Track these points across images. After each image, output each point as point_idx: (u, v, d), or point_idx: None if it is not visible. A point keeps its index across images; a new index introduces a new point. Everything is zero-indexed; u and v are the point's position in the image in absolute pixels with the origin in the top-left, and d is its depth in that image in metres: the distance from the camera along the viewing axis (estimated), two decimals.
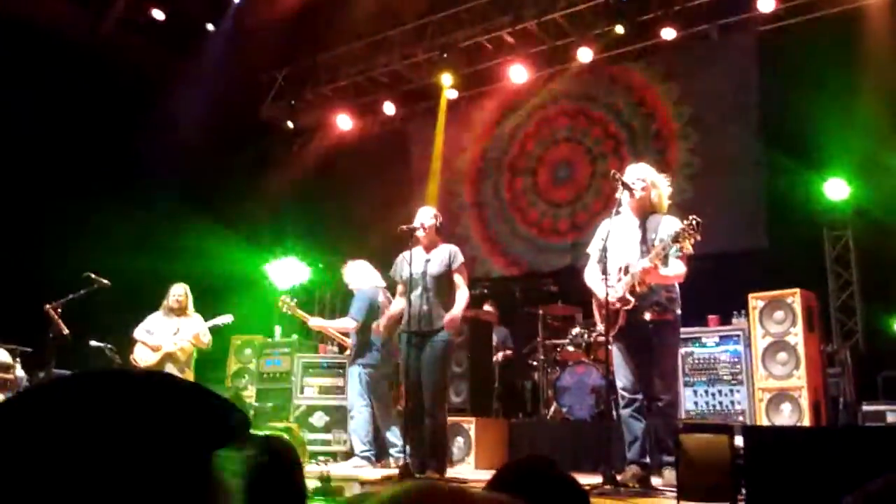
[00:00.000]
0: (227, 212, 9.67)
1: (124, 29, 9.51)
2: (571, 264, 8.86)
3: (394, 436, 6.26)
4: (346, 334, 6.74)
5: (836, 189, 7.83)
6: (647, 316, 4.37)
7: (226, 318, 7.12)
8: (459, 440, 6.62)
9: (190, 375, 6.97)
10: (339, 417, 7.36)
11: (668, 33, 8.46)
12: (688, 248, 4.26)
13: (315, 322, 6.87)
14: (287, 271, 10.85)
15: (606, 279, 4.41)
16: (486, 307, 8.58)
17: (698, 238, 4.15)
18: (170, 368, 6.85)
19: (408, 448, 5.17)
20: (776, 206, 8.01)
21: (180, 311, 7.04)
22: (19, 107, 8.35)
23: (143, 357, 6.90)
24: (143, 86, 9.24)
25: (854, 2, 7.64)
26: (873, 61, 7.28)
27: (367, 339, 6.33)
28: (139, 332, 6.99)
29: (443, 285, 5.32)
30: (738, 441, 3.79)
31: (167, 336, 6.92)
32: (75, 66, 8.94)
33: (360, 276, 6.58)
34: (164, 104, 9.10)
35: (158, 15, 9.33)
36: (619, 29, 8.42)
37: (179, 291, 7.09)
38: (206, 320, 7.07)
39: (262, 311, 10.53)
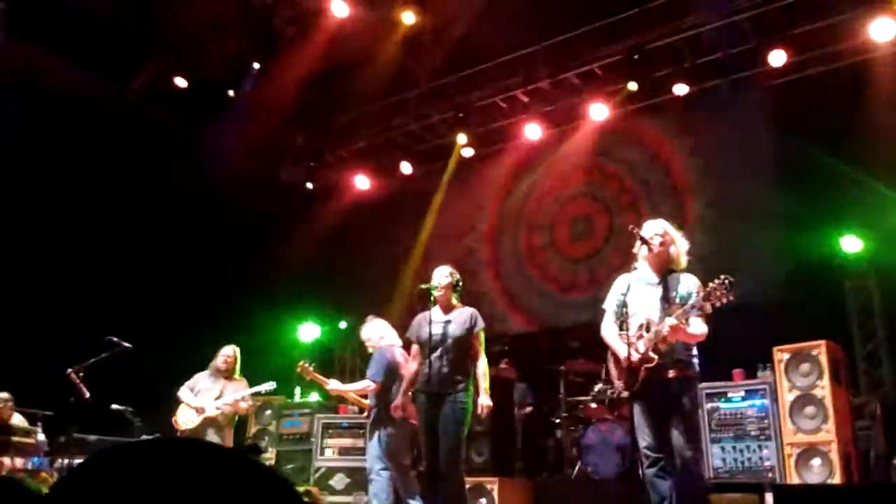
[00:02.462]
0: (245, 273, 9.76)
1: (149, 97, 9.77)
2: (592, 319, 8.79)
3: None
4: (364, 396, 6.68)
5: (851, 244, 7.81)
6: (670, 374, 4.32)
7: (269, 385, 7.01)
8: (483, 502, 6.50)
9: (229, 440, 6.90)
10: (359, 479, 7.26)
11: (680, 89, 8.56)
12: (707, 307, 4.23)
13: (334, 386, 6.67)
14: (307, 332, 10.90)
15: (627, 336, 4.38)
16: (503, 364, 8.51)
17: (732, 298, 4.10)
18: (210, 433, 6.75)
19: None
20: (796, 258, 7.96)
21: (228, 373, 6.96)
22: (48, 173, 8.56)
23: (185, 419, 6.80)
24: (167, 152, 9.46)
25: (863, 54, 7.71)
26: (883, 112, 7.32)
27: (387, 401, 6.27)
28: (184, 393, 6.90)
29: (463, 348, 5.31)
30: (769, 499, 3.70)
31: (210, 398, 6.82)
32: (103, 133, 9.19)
33: (377, 334, 6.55)
34: (187, 169, 9.29)
35: (181, 83, 9.58)
36: (632, 86, 8.53)
37: (228, 353, 7.02)
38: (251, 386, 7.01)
39: (282, 372, 10.53)
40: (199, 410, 6.76)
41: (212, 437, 6.74)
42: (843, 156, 7.51)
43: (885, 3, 7.22)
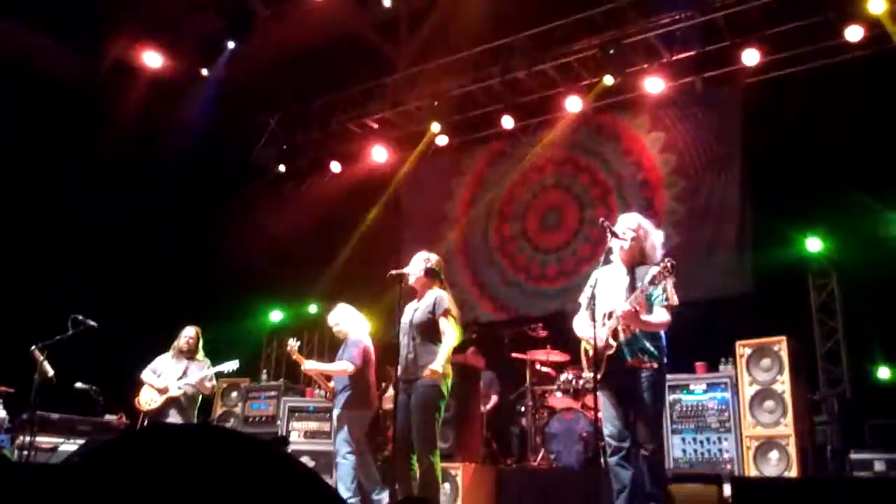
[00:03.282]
0: (215, 254, 9.69)
1: (120, 74, 9.63)
2: (560, 310, 8.90)
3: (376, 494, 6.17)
4: (329, 378, 6.66)
5: (814, 244, 7.99)
6: (630, 362, 4.40)
7: (231, 364, 6.97)
8: (446, 486, 6.55)
9: (192, 420, 6.87)
10: (325, 462, 7.29)
11: (654, 85, 8.65)
12: (673, 297, 4.31)
13: (311, 365, 6.66)
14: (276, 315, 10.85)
15: (594, 326, 4.45)
16: (471, 352, 8.57)
17: (672, 280, 4.21)
18: (173, 413, 6.72)
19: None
20: (762, 253, 8.11)
21: (190, 353, 6.93)
22: (14, 146, 8.41)
23: (147, 399, 6.77)
24: (137, 129, 9.33)
25: (836, 56, 7.84)
26: (849, 116, 7.47)
27: (359, 386, 6.28)
28: (146, 374, 6.86)
29: (427, 332, 5.31)
30: (727, 490, 3.80)
31: (172, 379, 6.79)
32: (70, 109, 9.04)
33: (349, 320, 6.55)
34: (157, 148, 9.19)
35: (153, 61, 9.44)
36: (608, 80, 8.58)
37: (190, 333, 6.99)
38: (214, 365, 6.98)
39: (249, 354, 10.49)
40: (162, 391, 6.73)
41: (174, 417, 6.72)
42: (810, 156, 7.65)
43: (858, 9, 7.34)
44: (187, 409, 6.80)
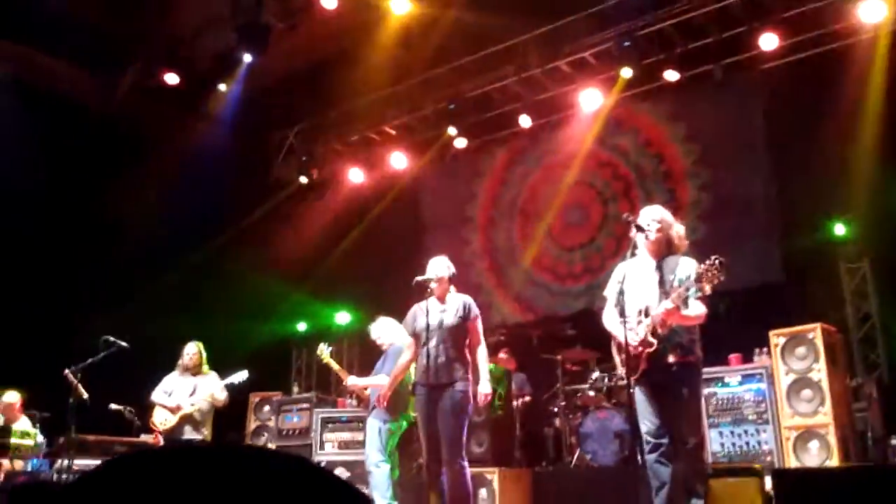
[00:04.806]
0: (241, 270, 9.74)
1: (138, 94, 9.72)
2: (587, 307, 8.83)
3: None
4: (365, 388, 6.68)
5: (843, 226, 7.84)
6: (671, 358, 4.33)
7: (241, 375, 7.04)
8: (483, 492, 6.52)
9: (208, 435, 6.92)
10: (360, 473, 7.27)
11: (672, 75, 8.54)
12: (706, 288, 4.24)
13: (352, 381, 6.67)
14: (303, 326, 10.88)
15: (625, 322, 4.38)
16: (502, 354, 8.53)
17: (722, 279, 4.13)
18: (188, 430, 6.80)
19: None
20: (791, 240, 7.98)
21: (195, 369, 7.01)
22: (40, 173, 8.52)
23: (161, 420, 6.86)
24: (158, 148, 9.41)
25: (853, 37, 7.70)
26: (875, 94, 7.33)
27: (397, 394, 6.26)
28: (157, 395, 6.95)
29: (458, 336, 5.30)
30: (768, 483, 3.72)
31: (184, 396, 6.87)
32: (91, 132, 9.15)
33: (391, 332, 6.53)
34: (179, 166, 9.25)
35: (172, 79, 9.52)
36: (625, 72, 8.48)
37: (192, 350, 7.08)
38: (222, 378, 7.04)
39: (280, 367, 10.54)
40: (175, 410, 6.80)
41: (190, 434, 6.78)
42: (834, 138, 7.52)
43: None
44: (202, 424, 6.88)
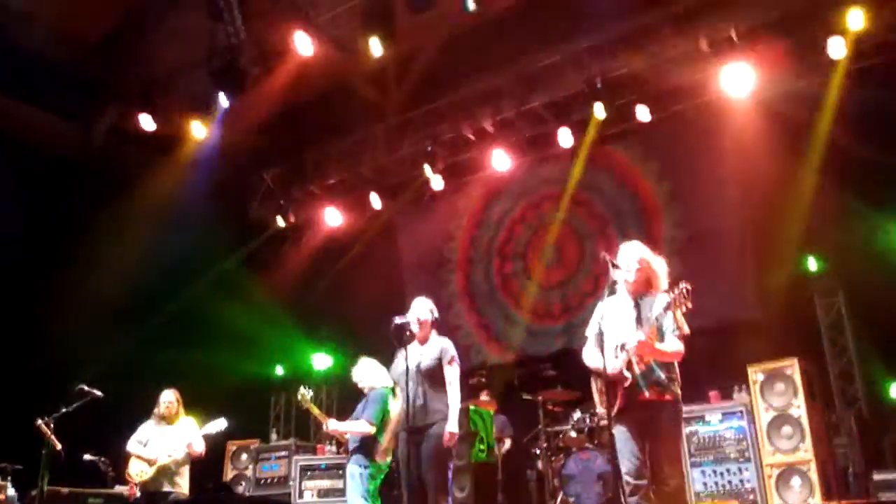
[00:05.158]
0: (218, 315, 9.63)
1: (114, 139, 9.68)
2: (566, 347, 8.82)
3: None
4: (345, 432, 6.56)
5: (817, 261, 7.94)
6: (648, 395, 4.32)
7: (219, 424, 6.85)
8: None
9: (185, 486, 6.75)
10: None
11: (643, 114, 8.66)
12: (684, 326, 4.26)
13: (333, 426, 6.52)
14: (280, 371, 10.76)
15: (604, 359, 4.37)
16: (483, 396, 8.46)
17: (689, 305, 4.15)
18: (165, 483, 6.61)
19: None
20: (766, 276, 8.05)
21: (171, 418, 6.83)
22: (15, 220, 8.41)
23: (137, 471, 6.65)
24: (134, 193, 9.35)
25: (826, 76, 7.84)
26: (843, 130, 7.49)
27: (375, 439, 6.17)
28: (132, 445, 6.75)
29: (436, 380, 5.26)
30: None
31: (160, 447, 6.68)
32: (68, 178, 9.08)
33: (372, 375, 6.44)
34: (156, 210, 9.19)
35: (147, 124, 9.49)
36: (598, 112, 8.57)
37: (169, 398, 6.88)
38: (199, 426, 6.86)
39: (257, 413, 10.37)
40: (151, 462, 6.61)
41: (167, 486, 6.59)
42: (807, 170, 7.65)
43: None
44: (178, 475, 6.68)
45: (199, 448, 6.76)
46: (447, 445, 5.12)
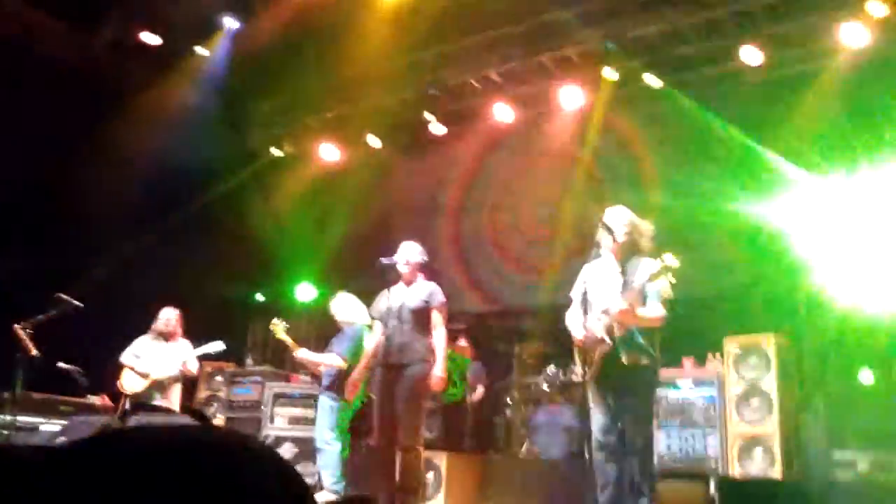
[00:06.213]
0: (206, 238, 9.60)
1: (115, 51, 9.49)
2: (548, 302, 8.87)
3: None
4: (315, 363, 6.61)
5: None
6: (625, 359, 4.37)
7: (215, 345, 6.89)
8: (430, 475, 6.54)
9: (176, 403, 6.83)
10: (308, 449, 7.25)
11: (653, 80, 8.56)
12: (667, 291, 4.29)
13: (302, 354, 6.57)
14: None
15: (585, 321, 4.42)
16: (461, 342, 8.54)
17: (673, 280, 4.18)
18: (157, 397, 6.70)
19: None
20: (755, 249, 8.08)
21: (169, 335, 6.88)
22: (13, 124, 8.27)
23: (130, 384, 6.72)
24: (132, 107, 9.20)
25: (831, 56, 7.77)
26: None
27: (346, 374, 6.24)
28: (126, 357, 6.80)
29: (420, 320, 5.31)
30: (713, 489, 3.79)
31: (155, 362, 6.74)
32: (64, 86, 8.90)
33: (349, 310, 6.48)
34: (154, 128, 9.06)
35: (151, 39, 9.30)
36: (608, 73, 8.48)
37: (170, 315, 6.93)
38: (194, 346, 6.90)
39: (234, 338, 10.39)
40: (145, 375, 6.69)
41: (158, 400, 6.69)
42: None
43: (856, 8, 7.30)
44: (169, 390, 6.77)
45: (194, 368, 6.86)
46: (435, 389, 5.20)
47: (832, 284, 7.84)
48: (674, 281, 4.19)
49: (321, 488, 6.34)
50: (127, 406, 6.70)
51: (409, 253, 5.50)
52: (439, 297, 5.41)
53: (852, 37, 7.36)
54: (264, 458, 0.98)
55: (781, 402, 6.07)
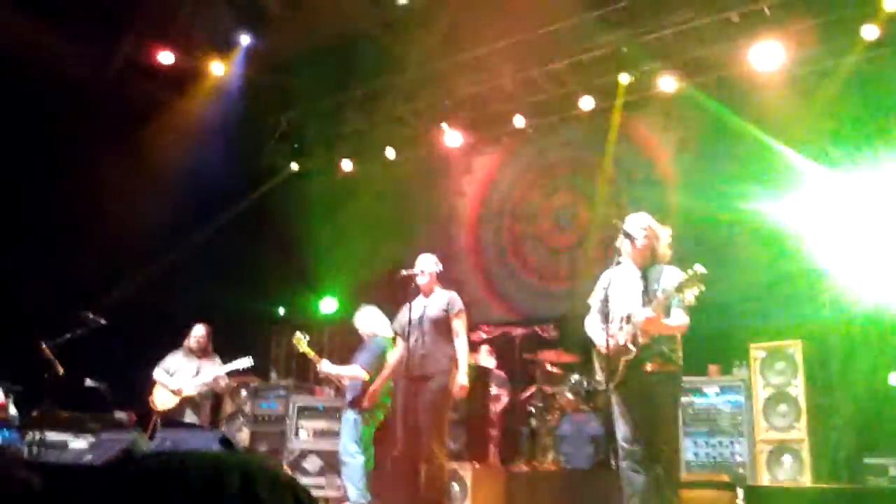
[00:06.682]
0: (227, 254, 9.66)
1: (131, 70, 9.60)
2: (570, 311, 8.83)
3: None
4: (339, 376, 6.63)
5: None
6: (650, 367, 4.34)
7: (245, 362, 6.97)
8: (455, 487, 6.52)
9: (205, 419, 6.89)
10: (333, 462, 7.25)
11: (668, 84, 8.53)
12: (690, 298, 4.25)
13: (326, 368, 6.60)
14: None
15: (608, 328, 4.39)
16: (484, 352, 8.52)
17: (702, 288, 4.14)
18: (188, 413, 6.76)
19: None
20: (778, 254, 8.00)
21: (201, 352, 6.95)
22: (24, 145, 8.38)
23: (162, 400, 6.79)
24: (148, 127, 9.30)
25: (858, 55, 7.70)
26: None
27: (368, 385, 6.24)
28: (159, 374, 6.86)
29: (441, 329, 5.31)
30: (740, 497, 3.74)
31: (187, 378, 6.80)
32: (80, 105, 9.01)
33: (373, 323, 6.49)
34: (169, 146, 9.15)
35: (166, 58, 9.40)
36: (623, 78, 8.47)
37: (201, 332, 6.99)
38: (224, 363, 6.96)
39: (258, 352, 10.44)
40: (177, 392, 6.74)
41: (190, 416, 6.74)
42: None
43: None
44: (200, 406, 6.83)
45: (224, 383, 6.93)
46: (458, 397, 5.19)
47: (856, 285, 7.76)
48: (703, 289, 4.15)
49: (346, 500, 6.34)
50: (157, 423, 6.76)
51: (425, 264, 5.52)
52: (458, 304, 5.41)
53: (870, 33, 7.28)
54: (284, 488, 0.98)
55: (809, 408, 5.99)
